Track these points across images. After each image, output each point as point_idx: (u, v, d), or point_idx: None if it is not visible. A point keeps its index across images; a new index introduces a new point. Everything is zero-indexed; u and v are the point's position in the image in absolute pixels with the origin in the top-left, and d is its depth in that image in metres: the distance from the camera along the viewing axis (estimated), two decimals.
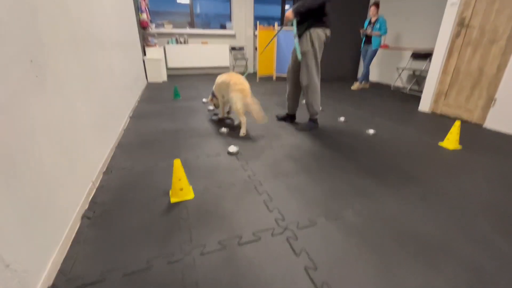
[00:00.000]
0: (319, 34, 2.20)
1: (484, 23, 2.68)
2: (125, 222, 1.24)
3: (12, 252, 0.76)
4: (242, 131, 2.37)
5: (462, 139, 2.31)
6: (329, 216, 1.30)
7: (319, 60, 2.31)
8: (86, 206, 1.34)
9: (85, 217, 1.26)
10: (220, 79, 2.58)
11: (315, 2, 2.07)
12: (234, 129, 2.51)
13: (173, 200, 1.40)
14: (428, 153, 2.08)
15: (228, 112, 2.90)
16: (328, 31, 2.24)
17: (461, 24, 2.85)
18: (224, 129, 2.43)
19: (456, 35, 2.92)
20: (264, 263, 1.02)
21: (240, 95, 2.27)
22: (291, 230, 1.19)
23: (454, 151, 2.12)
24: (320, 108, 2.44)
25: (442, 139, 2.33)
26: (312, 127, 2.58)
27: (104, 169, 1.72)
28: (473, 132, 2.57)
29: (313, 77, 2.33)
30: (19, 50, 0.92)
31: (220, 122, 2.73)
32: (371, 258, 1.05)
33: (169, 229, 1.19)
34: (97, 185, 1.54)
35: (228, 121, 2.76)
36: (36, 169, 0.94)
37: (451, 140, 2.18)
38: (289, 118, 2.79)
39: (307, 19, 2.18)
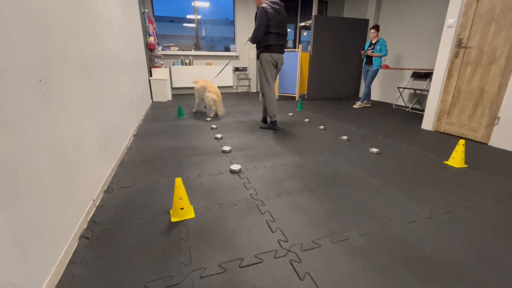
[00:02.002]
0: (266, 57, 2.94)
1: (482, 44, 2.73)
2: (123, 243, 1.20)
3: (5, 273, 0.73)
4: (213, 114, 3.80)
5: (468, 158, 2.28)
6: (333, 237, 1.25)
7: (268, 75, 3.01)
8: (85, 226, 1.32)
9: (83, 237, 1.23)
10: (198, 85, 3.91)
11: (257, 37, 2.89)
12: (235, 148, 2.52)
13: (173, 219, 1.37)
14: (434, 171, 2.04)
15: (205, 107, 4.24)
16: (275, 55, 2.94)
17: (459, 45, 2.92)
18: (227, 147, 2.44)
19: (455, 56, 2.98)
20: (267, 287, 0.97)
21: (214, 95, 3.63)
22: (294, 252, 1.15)
23: (460, 169, 2.09)
24: (276, 115, 3.17)
25: (447, 158, 2.29)
26: (270, 127, 3.23)
27: (106, 188, 1.71)
28: (478, 151, 2.54)
29: (264, 88, 3.09)
30: (28, 70, 0.95)
31: (223, 142, 2.74)
32: (378, 282, 1.00)
33: (169, 250, 1.16)
34: (97, 203, 1.52)
35: (224, 137, 2.79)
36: (36, 187, 0.93)
37: (457, 159, 2.15)
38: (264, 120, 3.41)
39: (259, 47, 2.96)
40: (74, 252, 1.14)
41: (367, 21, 5.71)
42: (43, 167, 0.99)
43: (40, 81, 1.02)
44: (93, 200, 1.47)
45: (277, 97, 5.77)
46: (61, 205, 1.11)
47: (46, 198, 0.99)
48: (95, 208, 1.47)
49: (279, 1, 2.89)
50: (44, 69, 1.07)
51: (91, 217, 1.40)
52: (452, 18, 2.94)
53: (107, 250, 1.16)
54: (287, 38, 3.33)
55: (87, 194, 1.42)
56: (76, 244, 1.19)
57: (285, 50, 3.10)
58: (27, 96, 0.93)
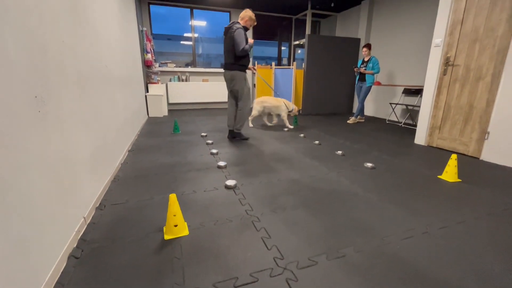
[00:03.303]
0: None
1: (468, 62, 2.85)
2: (114, 262, 1.17)
3: None
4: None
5: (461, 172, 2.31)
6: (330, 254, 1.23)
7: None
8: (75, 244, 1.27)
9: (72, 256, 1.19)
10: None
11: None
12: (232, 164, 2.51)
13: (167, 237, 1.34)
14: (428, 186, 2.05)
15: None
16: (223, 73, 3.34)
17: (447, 63, 3.03)
18: (222, 163, 2.43)
19: (443, 73, 3.09)
20: None
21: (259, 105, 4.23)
22: (290, 271, 1.12)
23: (454, 183, 2.10)
24: (228, 124, 3.52)
25: (441, 172, 2.32)
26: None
27: (98, 205, 1.67)
28: (470, 165, 2.58)
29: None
30: (24, 86, 0.96)
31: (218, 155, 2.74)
32: None
33: (161, 269, 1.12)
34: (88, 221, 1.48)
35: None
36: (25, 205, 0.91)
37: (450, 173, 2.17)
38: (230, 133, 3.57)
39: None
40: (62, 272, 1.10)
41: (358, 40, 5.93)
42: (34, 183, 0.97)
43: (35, 97, 1.03)
44: (84, 217, 1.43)
45: None
46: (50, 223, 1.08)
47: (35, 216, 0.97)
48: (86, 226, 1.43)
49: (235, 21, 3.17)
50: (40, 86, 1.07)
51: (82, 235, 1.36)
52: (439, 38, 3.08)
53: (97, 270, 1.12)
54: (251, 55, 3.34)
55: (78, 212, 1.38)
56: (64, 264, 1.14)
57: (231, 66, 3.22)
58: (22, 111, 0.93)
